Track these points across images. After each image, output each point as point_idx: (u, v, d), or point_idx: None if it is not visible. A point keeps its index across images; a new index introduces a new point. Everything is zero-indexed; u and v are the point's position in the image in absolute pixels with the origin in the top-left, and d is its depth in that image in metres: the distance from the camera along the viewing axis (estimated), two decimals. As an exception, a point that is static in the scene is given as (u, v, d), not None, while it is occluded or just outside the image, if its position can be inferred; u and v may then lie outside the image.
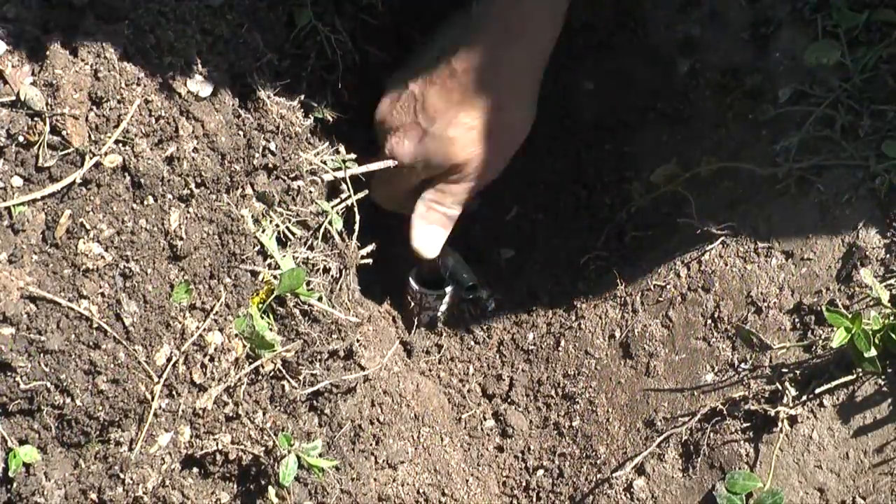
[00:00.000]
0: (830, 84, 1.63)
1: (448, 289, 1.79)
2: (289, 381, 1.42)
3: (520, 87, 1.47)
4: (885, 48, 1.59)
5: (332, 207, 1.55)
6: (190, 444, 1.34)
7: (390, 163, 1.64)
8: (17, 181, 1.27)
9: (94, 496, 1.27)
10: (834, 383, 1.41)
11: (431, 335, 1.79)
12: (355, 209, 1.62)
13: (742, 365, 1.50)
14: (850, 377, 1.41)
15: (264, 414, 1.40)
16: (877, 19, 1.63)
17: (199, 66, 1.44)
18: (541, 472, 1.63)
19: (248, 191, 1.48)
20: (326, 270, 1.54)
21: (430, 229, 1.56)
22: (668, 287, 1.61)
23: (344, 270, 1.55)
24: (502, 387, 1.74)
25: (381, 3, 1.78)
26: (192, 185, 1.38)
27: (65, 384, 1.25)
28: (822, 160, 1.57)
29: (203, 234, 1.39)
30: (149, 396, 1.32)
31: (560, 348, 1.72)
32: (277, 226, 1.50)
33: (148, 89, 1.36)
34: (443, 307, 1.79)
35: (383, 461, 1.51)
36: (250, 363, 1.39)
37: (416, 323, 1.79)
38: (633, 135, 1.85)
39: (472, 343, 1.80)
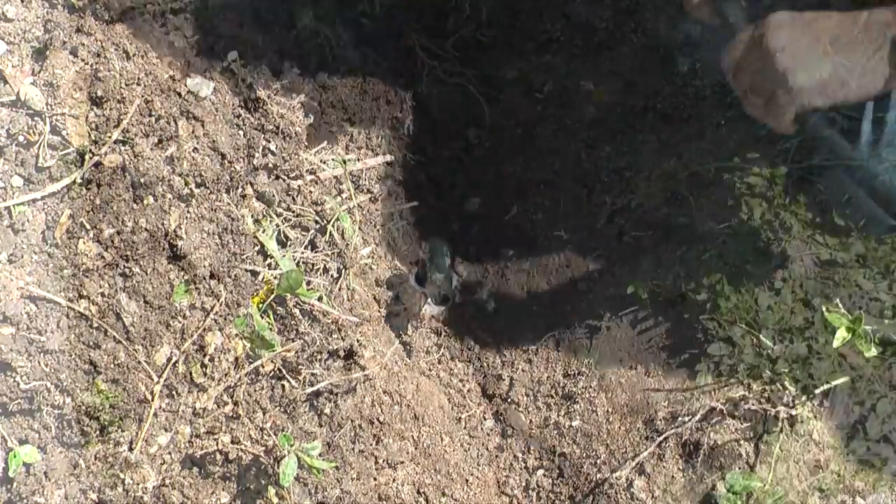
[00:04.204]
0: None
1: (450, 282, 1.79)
2: (289, 381, 1.42)
3: None
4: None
5: (340, 206, 1.55)
6: (190, 444, 1.34)
7: (388, 157, 1.67)
8: (17, 181, 1.27)
9: (94, 496, 1.27)
10: (834, 383, 1.41)
11: (432, 335, 1.79)
12: (356, 209, 1.62)
13: (742, 365, 1.49)
14: (849, 377, 1.41)
15: (264, 414, 1.39)
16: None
17: (199, 65, 1.44)
18: (541, 472, 1.63)
19: (249, 191, 1.48)
20: (326, 270, 1.54)
21: None
22: (667, 286, 1.61)
23: (344, 270, 1.55)
24: (502, 387, 1.74)
25: (378, 6, 1.78)
26: (192, 185, 1.38)
27: (65, 384, 1.25)
28: (822, 160, 1.57)
29: (203, 234, 1.39)
30: (149, 396, 1.32)
31: (560, 348, 1.72)
32: (278, 226, 1.50)
33: (148, 89, 1.36)
34: (440, 308, 1.79)
35: (383, 461, 1.51)
36: (250, 363, 1.39)
37: (416, 321, 1.79)
38: (633, 135, 1.85)
39: (472, 343, 1.80)
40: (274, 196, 1.49)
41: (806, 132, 1.61)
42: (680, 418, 1.50)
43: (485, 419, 1.71)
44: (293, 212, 1.52)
